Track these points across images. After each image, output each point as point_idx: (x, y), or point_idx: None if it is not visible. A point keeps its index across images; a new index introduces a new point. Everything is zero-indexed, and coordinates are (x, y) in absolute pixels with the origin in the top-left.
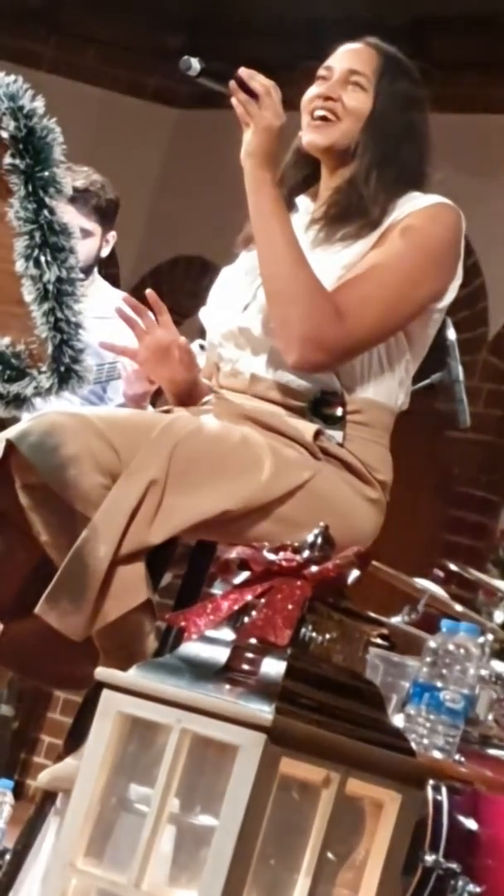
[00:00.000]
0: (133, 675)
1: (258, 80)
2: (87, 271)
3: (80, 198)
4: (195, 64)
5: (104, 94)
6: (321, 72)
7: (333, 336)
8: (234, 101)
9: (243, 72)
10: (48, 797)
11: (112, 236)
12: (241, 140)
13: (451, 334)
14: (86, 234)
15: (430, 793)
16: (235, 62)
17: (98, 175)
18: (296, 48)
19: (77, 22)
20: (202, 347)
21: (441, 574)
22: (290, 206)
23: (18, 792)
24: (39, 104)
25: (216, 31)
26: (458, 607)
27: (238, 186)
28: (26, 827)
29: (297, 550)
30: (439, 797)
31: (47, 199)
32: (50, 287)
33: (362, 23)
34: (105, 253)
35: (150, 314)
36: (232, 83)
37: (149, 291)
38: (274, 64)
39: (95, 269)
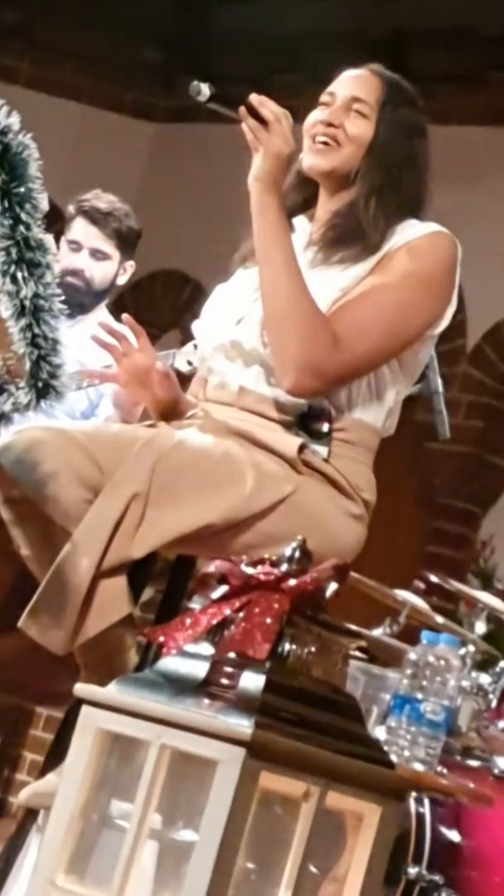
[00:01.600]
0: (112, 691)
1: (268, 107)
2: (101, 295)
3: (102, 220)
4: (205, 89)
5: (81, 108)
6: (324, 97)
7: (329, 363)
8: (243, 126)
9: (254, 98)
10: (30, 814)
11: (130, 265)
12: (219, 155)
13: None
14: (103, 256)
15: (412, 805)
16: (213, 76)
17: (123, 203)
18: (275, 62)
19: (54, 37)
20: (196, 347)
21: (422, 585)
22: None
23: (0, 809)
24: (15, 120)
25: (194, 44)
26: (439, 619)
27: (216, 200)
28: (8, 844)
29: (275, 564)
30: (422, 809)
31: (23, 216)
32: (27, 303)
33: (341, 36)
34: (122, 281)
35: (128, 338)
36: (242, 109)
37: (126, 316)
38: (252, 77)
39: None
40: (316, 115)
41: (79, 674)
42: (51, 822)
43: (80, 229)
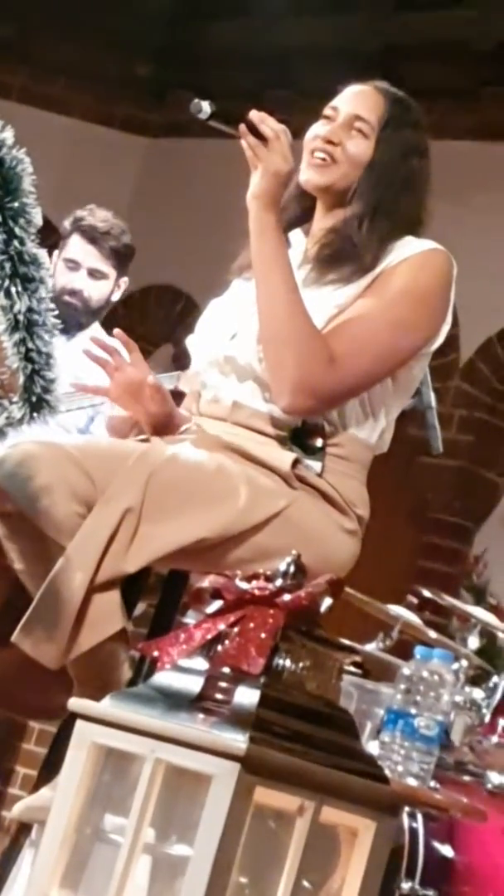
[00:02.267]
0: (107, 706)
1: (268, 124)
2: (97, 313)
3: (100, 239)
4: (206, 107)
5: (74, 123)
6: (326, 111)
7: (325, 383)
8: (243, 143)
9: (254, 115)
10: (23, 828)
11: (123, 282)
12: (211, 170)
13: None
14: (101, 275)
15: (405, 820)
16: (205, 91)
17: (118, 220)
18: (267, 77)
19: (46, 52)
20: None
21: (415, 600)
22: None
23: None
24: (9, 134)
25: (186, 60)
26: (433, 634)
27: (208, 215)
28: (1, 858)
29: (269, 579)
30: (415, 824)
31: (17, 230)
32: (20, 317)
33: (333, 52)
34: (116, 298)
35: (120, 352)
36: (242, 126)
37: (117, 331)
38: (244, 93)
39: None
40: (317, 130)
41: (72, 688)
42: (45, 836)
43: (77, 248)
